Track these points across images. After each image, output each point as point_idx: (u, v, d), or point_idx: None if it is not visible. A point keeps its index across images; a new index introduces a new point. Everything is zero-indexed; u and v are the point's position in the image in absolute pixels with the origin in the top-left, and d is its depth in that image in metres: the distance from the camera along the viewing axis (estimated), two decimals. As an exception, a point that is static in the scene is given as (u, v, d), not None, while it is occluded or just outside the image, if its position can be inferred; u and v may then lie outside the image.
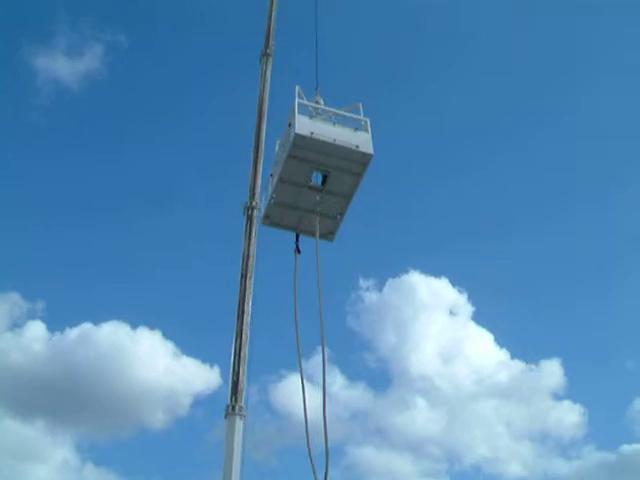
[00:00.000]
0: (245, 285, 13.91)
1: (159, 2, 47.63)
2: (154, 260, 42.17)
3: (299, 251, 13.17)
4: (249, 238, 14.36)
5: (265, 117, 15.77)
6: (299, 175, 12.55)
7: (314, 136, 12.10)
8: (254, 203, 14.57)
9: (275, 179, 12.79)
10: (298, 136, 12.06)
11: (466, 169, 47.11)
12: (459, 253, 44.12)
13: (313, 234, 12.90)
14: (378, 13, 48.28)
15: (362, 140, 12.38)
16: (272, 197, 12.92)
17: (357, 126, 12.55)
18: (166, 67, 47.03)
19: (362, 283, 41.55)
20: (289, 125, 12.60)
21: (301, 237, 13.18)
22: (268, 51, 17.18)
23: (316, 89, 13.35)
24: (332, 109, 12.69)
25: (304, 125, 12.20)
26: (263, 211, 13.41)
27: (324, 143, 12.15)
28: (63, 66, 45.14)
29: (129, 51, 45.79)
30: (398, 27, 49.10)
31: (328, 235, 13.35)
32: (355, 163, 12.40)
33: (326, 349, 11.76)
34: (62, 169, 44.80)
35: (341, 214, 13.07)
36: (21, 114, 44.83)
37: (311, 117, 12.48)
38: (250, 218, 14.49)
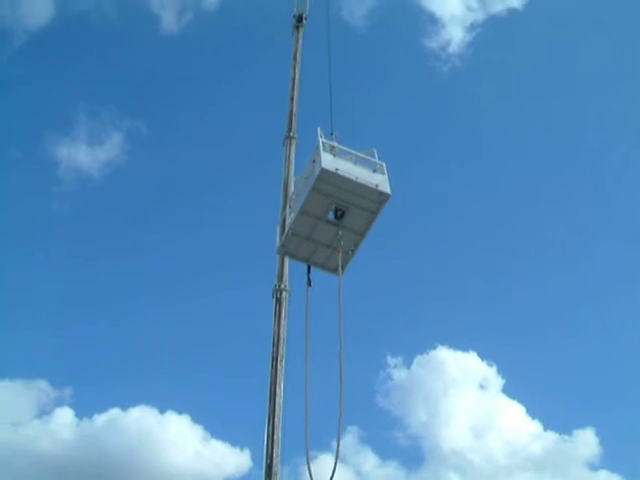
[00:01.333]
0: (276, 368, 13.91)
1: (177, 88, 48.93)
2: (181, 345, 42.09)
3: (310, 283, 13.76)
4: (279, 321, 14.46)
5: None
6: (319, 208, 13.13)
7: (339, 172, 12.75)
8: (283, 286, 14.74)
9: (296, 211, 13.34)
10: (324, 170, 12.67)
11: (485, 246, 46.95)
12: (486, 326, 43.78)
13: (324, 267, 13.81)
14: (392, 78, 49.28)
15: (380, 180, 13.04)
16: (291, 227, 13.46)
17: (374, 168, 13.23)
18: (186, 152, 47.90)
19: (390, 361, 41.25)
20: (313, 161, 13.24)
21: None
22: (291, 134, 17.57)
23: (332, 134, 13.78)
24: (352, 151, 13.30)
25: (329, 161, 12.85)
26: (280, 241, 13.89)
27: (347, 180, 12.79)
28: (84, 154, 46.18)
29: (148, 138, 46.87)
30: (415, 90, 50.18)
31: (337, 269, 13.53)
32: (373, 202, 13.09)
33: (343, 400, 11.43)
34: (86, 257, 45.05)
35: (353, 250, 13.59)
36: (44, 203, 45.80)
37: (334, 156, 13.12)
38: (279, 301, 14.61)
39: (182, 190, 47.33)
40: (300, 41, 20.03)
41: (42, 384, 39.43)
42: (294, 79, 18.62)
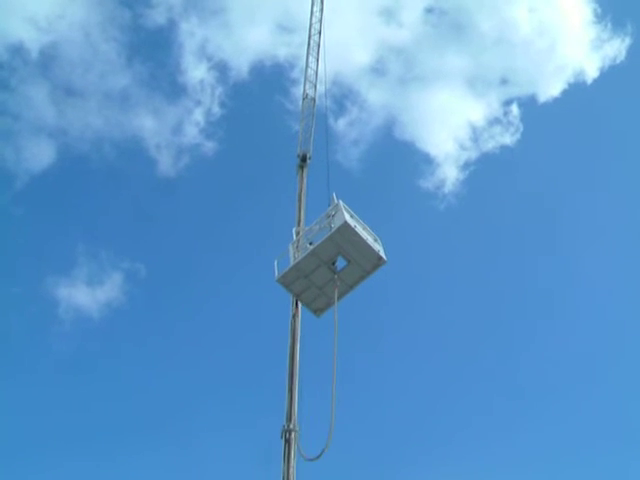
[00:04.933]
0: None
1: (174, 230, 49.96)
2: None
3: (294, 317, 16.41)
4: (288, 462, 14.47)
5: (298, 341, 16.34)
6: (326, 255, 15.48)
7: (356, 229, 15.20)
8: (292, 426, 14.81)
9: (307, 251, 15.55)
10: (346, 224, 15.05)
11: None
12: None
13: (309, 305, 16.22)
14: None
15: (380, 248, 15.69)
16: (297, 263, 15.67)
17: (375, 238, 15.77)
18: (184, 293, 48.18)
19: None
20: (332, 215, 15.67)
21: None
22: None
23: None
24: (359, 219, 15.71)
25: (349, 218, 15.24)
26: (282, 271, 15.91)
27: (360, 238, 15.25)
28: (84, 295, 46.13)
29: (147, 279, 46.87)
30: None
31: (317, 311, 16.32)
32: (370, 263, 15.65)
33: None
34: (85, 400, 43.39)
35: (337, 299, 15.61)
36: (44, 343, 45.10)
37: (351, 216, 15.48)
38: (288, 442, 14.73)
39: (180, 332, 46.62)
40: (304, 180, 20.88)
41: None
42: (300, 221, 19.29)
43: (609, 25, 48.87)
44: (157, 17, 48.19)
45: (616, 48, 48.24)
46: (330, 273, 15.64)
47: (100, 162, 47.62)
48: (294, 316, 16.77)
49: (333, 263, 15.68)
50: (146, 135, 50.90)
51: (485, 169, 50.39)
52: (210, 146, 48.53)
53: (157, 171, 49.24)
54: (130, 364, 44.70)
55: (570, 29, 51.30)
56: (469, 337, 46.36)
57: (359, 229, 15.32)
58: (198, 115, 48.68)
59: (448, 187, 48.82)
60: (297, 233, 17.66)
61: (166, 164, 48.69)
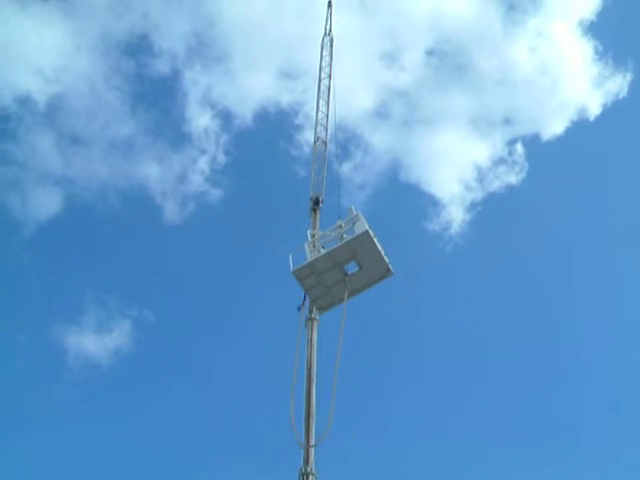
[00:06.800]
0: None
1: (182, 277, 49.92)
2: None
3: (299, 309, 17.35)
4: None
5: (314, 381, 16.01)
6: (341, 258, 16.42)
7: (374, 239, 16.13)
8: (309, 469, 14.43)
9: (324, 251, 16.66)
10: (366, 233, 16.09)
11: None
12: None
13: (314, 301, 17.12)
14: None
15: (389, 261, 16.58)
16: (313, 260, 16.60)
17: (385, 252, 16.59)
18: (192, 339, 47.83)
19: None
20: (353, 223, 16.75)
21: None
22: (313, 315, 17.66)
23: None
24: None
25: (369, 228, 16.20)
26: (298, 265, 16.76)
27: (375, 247, 16.25)
28: (92, 342, 46.06)
29: (155, 325, 46.89)
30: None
31: (321, 309, 17.29)
32: (378, 273, 16.61)
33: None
34: (93, 448, 42.52)
35: (341, 300, 16.55)
36: (53, 390, 44.65)
37: (369, 227, 16.34)
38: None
39: (191, 378, 45.84)
40: (318, 223, 20.78)
41: None
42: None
43: (610, 62, 49.56)
44: (161, 66, 49.45)
45: (618, 84, 48.88)
46: (340, 275, 16.56)
47: (106, 210, 48.24)
48: (299, 309, 17.52)
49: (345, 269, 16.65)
50: (151, 183, 51.58)
51: (491, 209, 50.47)
52: (216, 194, 48.95)
53: (163, 219, 49.74)
54: (139, 412, 44.20)
55: (571, 67, 51.69)
56: (477, 373, 46.50)
57: (376, 240, 16.29)
58: (203, 163, 49.40)
59: (454, 228, 48.85)
60: (312, 235, 18.59)
61: (172, 211, 49.12)
